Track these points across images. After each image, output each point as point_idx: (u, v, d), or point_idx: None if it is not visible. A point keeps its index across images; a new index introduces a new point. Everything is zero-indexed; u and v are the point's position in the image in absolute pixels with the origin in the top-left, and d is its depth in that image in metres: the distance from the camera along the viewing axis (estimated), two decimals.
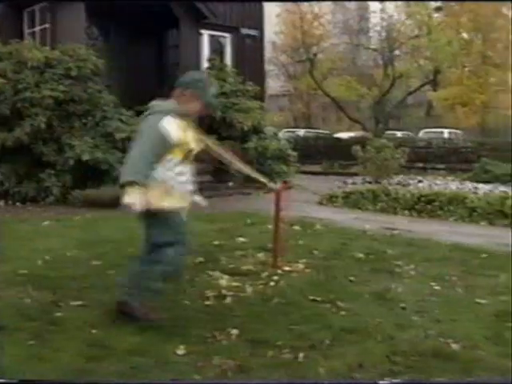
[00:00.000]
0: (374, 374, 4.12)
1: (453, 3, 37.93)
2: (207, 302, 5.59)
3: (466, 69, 39.14)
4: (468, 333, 4.87)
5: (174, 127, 4.82)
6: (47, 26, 15.17)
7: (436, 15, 37.90)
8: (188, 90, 4.95)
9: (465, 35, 38.48)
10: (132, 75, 16.95)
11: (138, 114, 13.88)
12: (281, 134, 26.26)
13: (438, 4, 37.95)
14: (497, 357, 4.41)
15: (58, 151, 13.10)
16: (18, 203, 12.63)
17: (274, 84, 49.90)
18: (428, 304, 5.64)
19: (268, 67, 36.99)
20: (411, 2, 36.20)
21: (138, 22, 16.34)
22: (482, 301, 5.75)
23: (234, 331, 4.80)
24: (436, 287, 6.21)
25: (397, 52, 40.59)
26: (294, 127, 43.31)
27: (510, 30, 36.49)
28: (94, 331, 4.80)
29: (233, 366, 4.22)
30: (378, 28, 43.16)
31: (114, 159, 13.03)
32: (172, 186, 4.86)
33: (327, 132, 38.86)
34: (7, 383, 3.63)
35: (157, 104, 5.08)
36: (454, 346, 4.59)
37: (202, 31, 18.27)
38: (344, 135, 33.95)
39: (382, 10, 42.42)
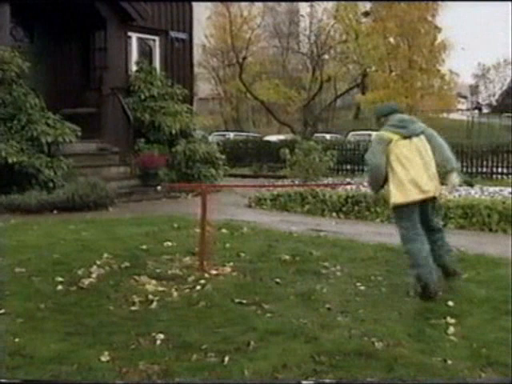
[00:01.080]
0: (298, 373, 4.17)
1: (380, 8, 38.60)
2: (133, 307, 5.56)
3: (393, 73, 39.87)
4: (391, 331, 4.97)
5: None
6: None
7: (364, 20, 38.48)
8: None
9: (391, 40, 39.20)
10: (58, 78, 16.67)
11: (65, 117, 13.80)
12: (210, 137, 26.31)
13: (367, 9, 38.56)
14: (419, 354, 4.53)
15: None
16: None
17: (205, 87, 49.93)
18: (353, 304, 5.74)
19: (198, 70, 37.00)
20: (340, 6, 36.65)
21: (64, 23, 16.08)
22: (406, 299, 5.87)
23: (160, 336, 4.79)
24: (361, 287, 6.31)
25: (325, 56, 41.07)
26: (224, 130, 43.37)
27: (436, 36, 37.45)
28: (16, 340, 4.72)
29: (157, 370, 4.22)
30: (307, 32, 43.60)
31: (40, 163, 12.82)
32: None
33: (257, 135, 39.03)
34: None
35: None
36: (378, 345, 4.68)
37: (130, 34, 18.07)
38: (273, 138, 34.12)
39: (311, 15, 42.85)
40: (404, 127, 6.20)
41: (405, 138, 6.12)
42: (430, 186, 6.07)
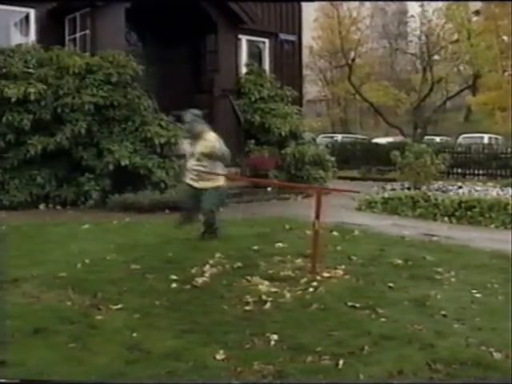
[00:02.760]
0: (414, 380, 4.08)
1: (492, 6, 37.49)
2: (246, 307, 5.59)
3: (506, 73, 38.65)
4: (510, 342, 4.78)
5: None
6: (87, 32, 15.31)
7: (475, 19, 37.50)
8: None
9: (505, 38, 38.00)
10: (169, 80, 17.05)
11: (177, 119, 14.10)
12: (318, 140, 26.25)
13: (477, 8, 37.55)
14: None
15: (97, 156, 13.24)
16: (58, 207, 12.80)
17: (312, 89, 49.89)
18: (468, 312, 5.57)
19: (305, 72, 36.96)
20: (451, 5, 35.82)
21: (176, 28, 16.43)
22: None
23: (274, 337, 4.79)
24: (476, 295, 6.12)
25: (436, 57, 40.28)
26: (331, 132, 43.22)
27: None
28: (133, 335, 4.84)
29: (272, 371, 4.22)
30: (417, 32, 42.94)
31: (153, 164, 13.11)
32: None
33: (365, 137, 38.68)
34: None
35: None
36: (496, 355, 4.52)
37: (240, 36, 18.29)
38: (382, 140, 33.70)
39: (422, 15, 42.11)
40: None
41: None
42: None
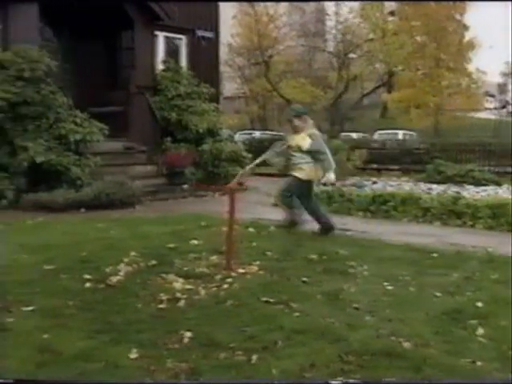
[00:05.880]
0: (326, 373, 4.14)
1: (406, 7, 38.32)
2: (160, 306, 5.56)
3: (420, 72, 39.63)
4: (419, 331, 4.92)
5: None
6: None
7: (390, 19, 38.31)
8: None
9: (418, 39, 38.93)
10: (85, 77, 16.80)
11: (93, 116, 13.89)
12: (236, 136, 26.33)
13: (393, 8, 38.41)
14: (446, 355, 4.47)
15: (11, 154, 12.87)
16: None
17: (230, 86, 49.97)
18: (380, 304, 5.69)
19: (224, 69, 36.99)
20: (366, 5, 36.52)
21: (92, 23, 16.19)
22: (433, 300, 5.82)
23: (187, 334, 4.78)
24: (388, 287, 6.26)
25: (352, 55, 40.92)
26: (249, 129, 43.39)
27: (463, 34, 37.10)
28: (45, 336, 4.74)
29: (185, 368, 4.21)
30: (334, 31, 43.48)
31: (68, 161, 12.90)
32: None
33: (283, 134, 38.94)
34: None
35: None
36: (405, 345, 4.64)
37: (157, 33, 18.15)
38: None
39: (337, 13, 42.72)
40: None
41: None
42: None
